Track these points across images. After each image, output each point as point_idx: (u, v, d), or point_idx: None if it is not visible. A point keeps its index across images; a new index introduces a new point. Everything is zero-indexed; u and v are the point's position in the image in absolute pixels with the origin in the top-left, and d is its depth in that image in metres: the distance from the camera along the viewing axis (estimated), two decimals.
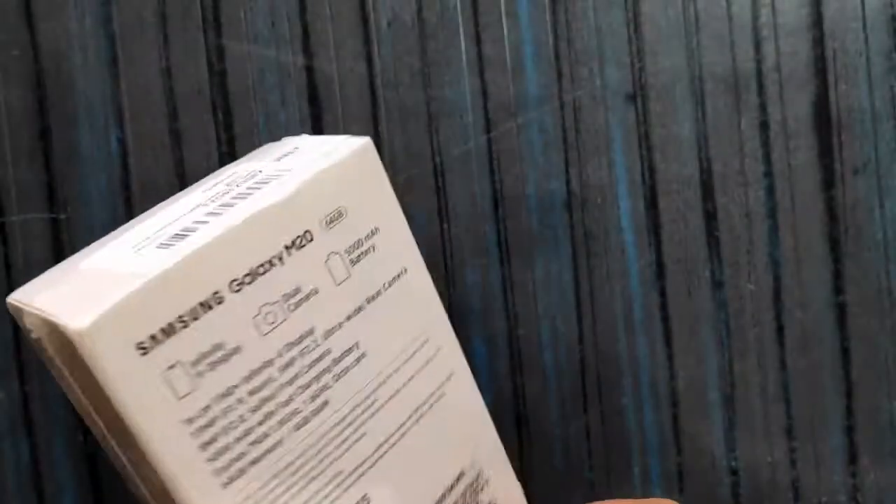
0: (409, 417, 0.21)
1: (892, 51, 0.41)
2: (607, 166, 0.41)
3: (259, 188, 0.20)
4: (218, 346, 0.18)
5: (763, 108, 0.42)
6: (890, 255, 0.42)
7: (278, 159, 0.22)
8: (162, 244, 0.19)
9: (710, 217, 0.42)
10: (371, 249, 0.21)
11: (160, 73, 0.41)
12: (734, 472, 0.43)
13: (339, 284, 0.20)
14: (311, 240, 0.19)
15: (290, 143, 0.23)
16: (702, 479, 0.43)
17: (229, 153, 0.41)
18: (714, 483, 0.43)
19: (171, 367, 0.18)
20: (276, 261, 0.19)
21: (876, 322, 0.42)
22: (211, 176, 0.24)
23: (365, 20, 0.41)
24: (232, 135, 0.41)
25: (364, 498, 0.21)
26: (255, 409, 0.19)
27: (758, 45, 0.41)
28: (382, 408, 0.21)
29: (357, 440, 0.20)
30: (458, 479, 0.22)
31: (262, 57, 0.41)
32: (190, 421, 0.18)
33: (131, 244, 0.20)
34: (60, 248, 0.41)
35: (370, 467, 0.21)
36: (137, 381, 0.17)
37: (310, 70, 0.41)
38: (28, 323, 0.19)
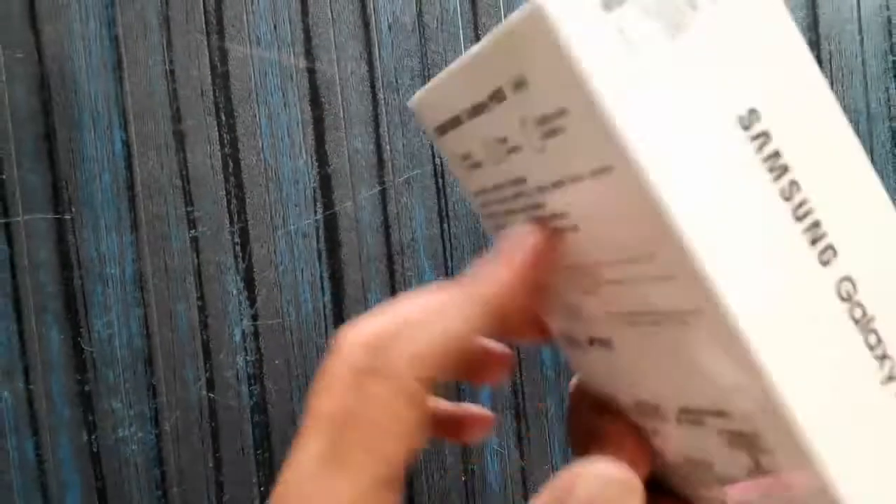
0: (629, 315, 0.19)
1: (888, 53, 0.41)
2: None
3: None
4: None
5: None
6: None
7: None
8: None
9: None
10: (561, 130, 0.18)
11: (163, 76, 0.41)
12: None
13: (539, 152, 0.18)
14: (504, 99, 0.18)
15: None
16: None
17: (232, 154, 0.41)
18: None
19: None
20: (490, 104, 0.18)
21: None
22: None
23: (366, 23, 0.41)
24: (235, 136, 0.41)
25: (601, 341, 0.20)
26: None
27: None
28: (606, 285, 0.19)
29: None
30: (716, 415, 0.19)
31: (264, 59, 0.41)
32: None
33: None
34: (65, 248, 0.41)
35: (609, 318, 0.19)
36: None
37: (311, 72, 0.41)
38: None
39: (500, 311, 0.20)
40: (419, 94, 0.19)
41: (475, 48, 0.18)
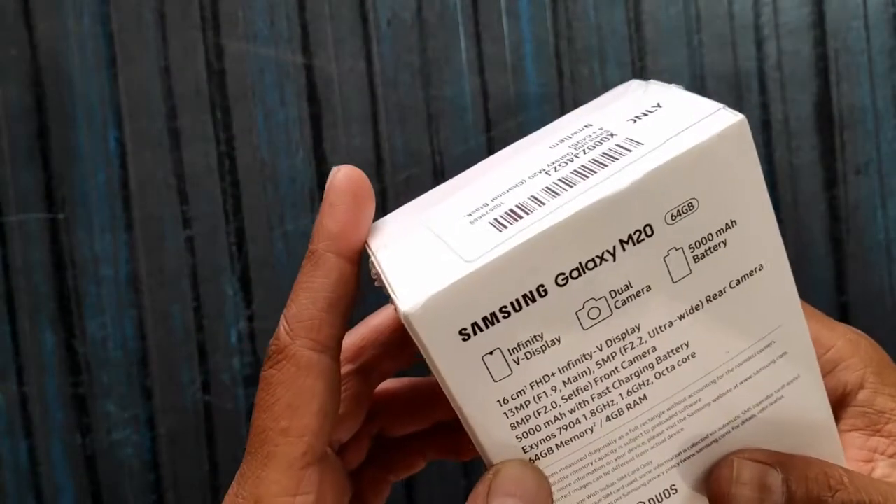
0: (736, 419, 0.20)
1: (894, 49, 0.41)
2: None
3: (604, 164, 0.18)
4: (537, 337, 0.18)
5: (765, 107, 0.42)
6: (892, 255, 0.42)
7: (635, 120, 0.20)
8: (495, 221, 0.19)
9: None
10: (722, 245, 0.19)
11: (159, 73, 0.41)
12: None
13: (675, 282, 0.18)
14: (651, 234, 0.18)
15: (654, 94, 0.21)
16: None
17: (228, 153, 0.41)
18: None
19: (490, 352, 0.18)
20: (607, 256, 0.18)
21: (878, 322, 0.42)
22: (565, 120, 0.23)
23: (364, 19, 0.41)
24: (231, 134, 0.41)
25: (671, 488, 0.21)
26: (568, 398, 0.19)
27: (759, 44, 0.41)
28: (706, 407, 0.20)
29: (672, 436, 0.20)
30: None
31: (260, 56, 0.41)
32: (504, 402, 0.19)
33: (467, 210, 0.20)
34: (59, 248, 0.41)
35: (682, 462, 0.20)
36: (458, 363, 0.18)
37: (309, 69, 0.41)
38: (372, 272, 0.21)
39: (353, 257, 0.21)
40: (429, 303, 0.18)
41: (569, 213, 0.18)
